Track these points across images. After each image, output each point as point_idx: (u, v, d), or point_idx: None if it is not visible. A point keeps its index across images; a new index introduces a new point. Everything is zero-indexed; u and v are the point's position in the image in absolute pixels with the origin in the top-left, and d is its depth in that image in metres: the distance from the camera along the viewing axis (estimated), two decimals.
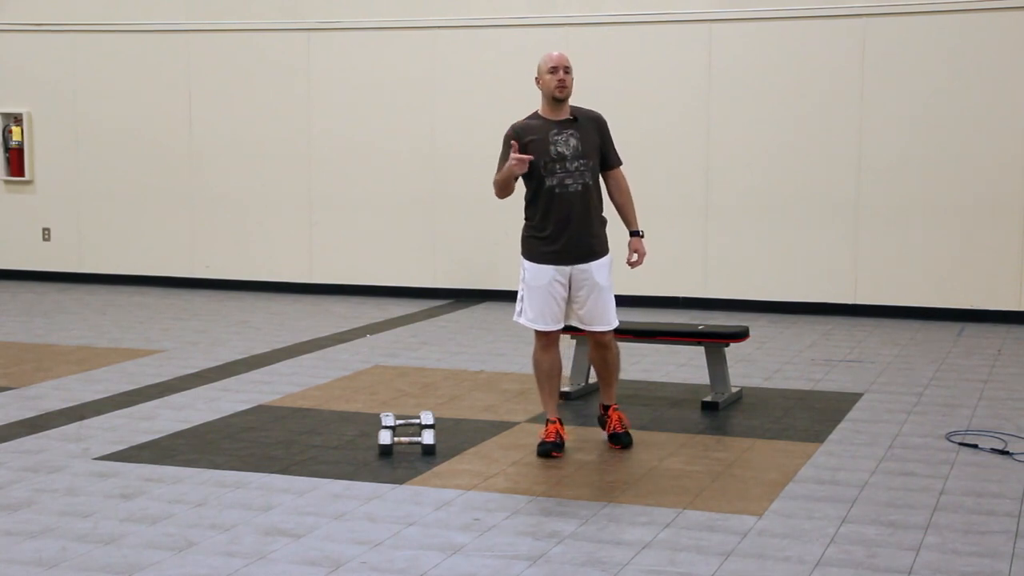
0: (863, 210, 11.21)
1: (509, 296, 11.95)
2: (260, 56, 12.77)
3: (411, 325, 10.88)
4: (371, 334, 10.37)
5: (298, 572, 4.78)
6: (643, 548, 5.04)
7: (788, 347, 9.76)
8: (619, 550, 5.02)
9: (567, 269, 6.47)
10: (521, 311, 6.58)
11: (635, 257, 6.63)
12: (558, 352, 6.63)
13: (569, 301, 6.57)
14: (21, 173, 13.55)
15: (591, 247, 6.49)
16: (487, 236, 12.13)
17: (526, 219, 6.59)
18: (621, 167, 6.65)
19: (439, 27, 12.20)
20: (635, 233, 6.65)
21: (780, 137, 11.38)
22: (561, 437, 6.53)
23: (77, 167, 13.40)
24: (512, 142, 6.44)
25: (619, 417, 6.74)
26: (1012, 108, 10.79)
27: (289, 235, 12.84)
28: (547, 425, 6.57)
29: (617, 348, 6.80)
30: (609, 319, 6.57)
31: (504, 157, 6.50)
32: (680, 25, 11.55)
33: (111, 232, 13.41)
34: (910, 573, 4.78)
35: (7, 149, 13.56)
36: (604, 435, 6.79)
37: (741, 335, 7.88)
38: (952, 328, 10.66)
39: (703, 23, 11.47)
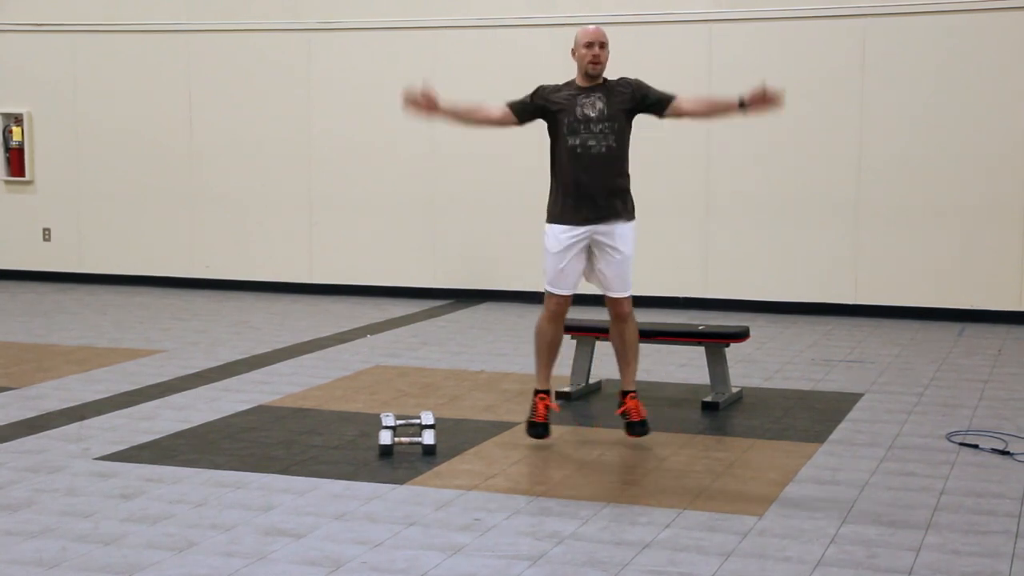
0: (863, 210, 11.21)
1: (509, 296, 12.02)
2: (260, 56, 12.77)
3: (411, 325, 10.88)
4: (371, 334, 10.37)
5: (298, 572, 4.78)
6: (643, 548, 5.04)
7: (788, 347, 9.76)
8: (619, 550, 5.02)
9: (586, 230, 6.45)
10: (545, 272, 6.62)
11: (763, 99, 6.41)
12: (562, 328, 6.68)
13: (592, 267, 6.57)
14: (21, 173, 13.55)
15: (613, 209, 6.48)
16: (487, 236, 12.13)
17: (551, 186, 6.60)
18: (679, 95, 6.56)
19: (440, 27, 12.20)
20: (740, 104, 6.46)
21: (780, 137, 11.37)
22: (549, 416, 6.59)
23: (77, 167, 13.40)
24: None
25: (636, 406, 6.67)
26: (1012, 108, 10.80)
27: (289, 235, 12.84)
28: (536, 400, 6.60)
29: (636, 325, 6.75)
30: (627, 285, 6.58)
31: (521, 99, 6.58)
32: (680, 25, 11.55)
33: (111, 232, 13.41)
34: (910, 573, 4.78)
35: (7, 149, 13.56)
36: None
37: (741, 335, 7.88)
38: (952, 328, 10.66)
39: (703, 23, 11.48)
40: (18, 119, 13.49)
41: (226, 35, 12.85)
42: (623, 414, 6.70)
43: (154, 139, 13.14)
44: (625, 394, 6.74)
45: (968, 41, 10.90)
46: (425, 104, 6.54)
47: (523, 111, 6.60)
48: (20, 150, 13.51)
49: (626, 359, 6.73)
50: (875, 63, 11.09)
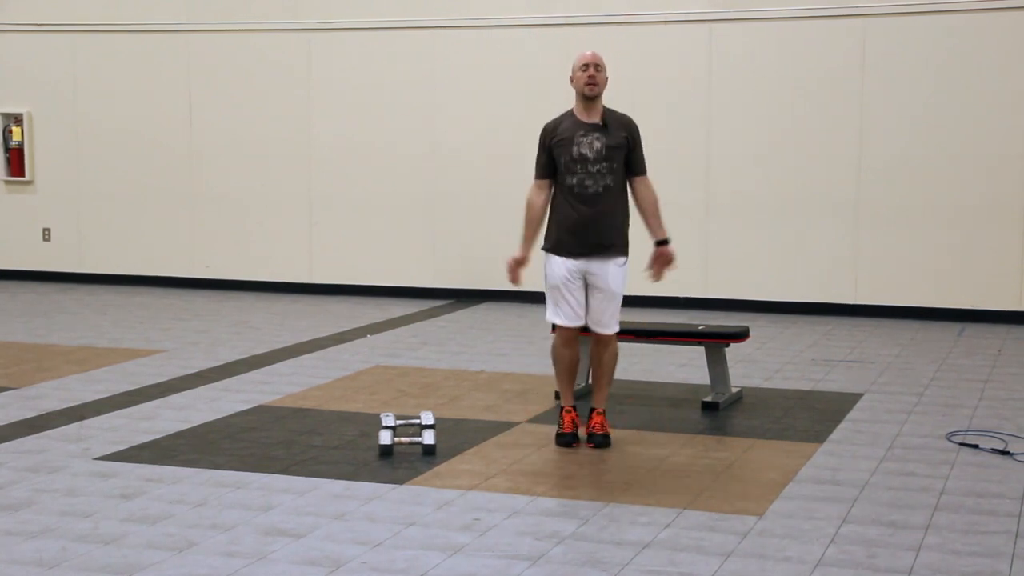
0: (863, 210, 11.21)
1: (509, 296, 12.00)
2: (260, 56, 12.77)
3: (411, 325, 10.88)
4: (371, 334, 10.37)
5: (298, 572, 4.78)
6: (643, 548, 5.04)
7: (788, 347, 9.76)
8: (619, 550, 5.02)
9: (581, 264, 6.59)
10: (547, 306, 6.80)
11: (652, 270, 6.73)
12: (577, 348, 6.85)
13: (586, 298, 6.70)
14: (21, 173, 13.55)
15: (607, 245, 6.60)
16: (487, 236, 12.13)
17: (550, 215, 6.74)
18: (646, 176, 6.74)
19: (439, 27, 12.19)
20: (660, 242, 6.73)
21: (780, 137, 11.38)
22: (577, 426, 6.76)
23: (77, 167, 13.40)
24: (510, 263, 6.72)
25: (601, 421, 6.79)
26: (1012, 108, 10.80)
27: (289, 235, 12.84)
28: (562, 415, 6.79)
29: (615, 351, 6.85)
30: (613, 323, 6.72)
31: (538, 156, 6.71)
32: (680, 25, 11.55)
33: (111, 232, 13.40)
34: (910, 573, 4.78)
35: (7, 149, 13.56)
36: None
37: (741, 335, 7.88)
38: (952, 328, 10.66)
39: (703, 23, 11.48)
40: (18, 119, 13.49)
41: (226, 35, 12.85)
42: (590, 428, 6.78)
43: (154, 139, 13.13)
44: (593, 411, 6.85)
45: (968, 41, 10.90)
46: (518, 268, 6.73)
47: (548, 168, 6.68)
48: (20, 150, 13.51)
49: (599, 382, 6.88)
50: (875, 63, 11.08)
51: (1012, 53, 10.79)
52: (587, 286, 6.66)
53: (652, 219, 6.73)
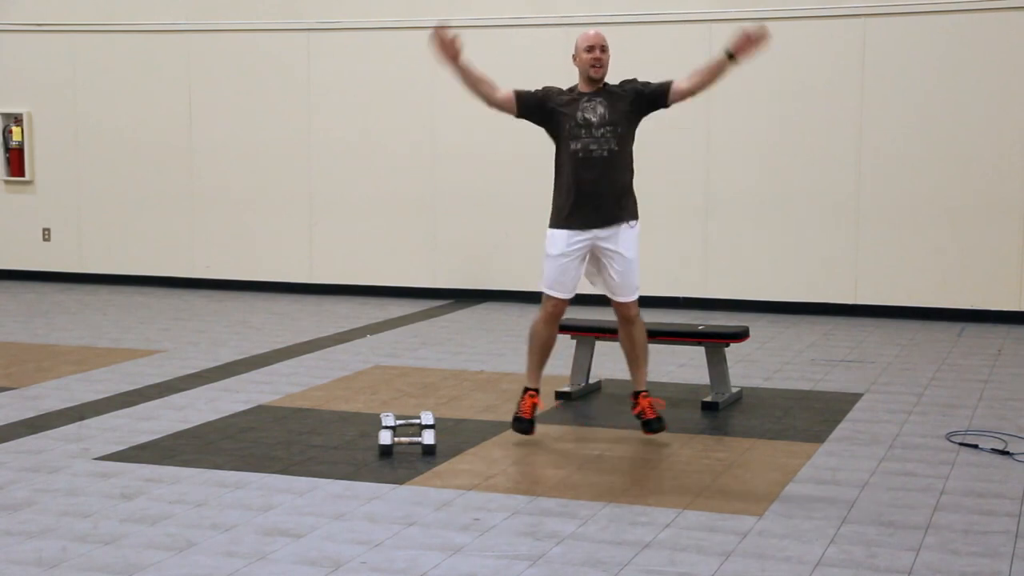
0: (863, 210, 11.21)
1: (509, 296, 12.02)
2: (260, 56, 12.77)
3: (411, 325, 10.88)
4: (371, 334, 10.37)
5: (298, 572, 4.78)
6: (643, 548, 5.04)
7: (788, 347, 9.76)
8: (619, 550, 5.02)
9: (589, 235, 6.52)
10: (543, 276, 6.70)
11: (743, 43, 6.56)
12: (556, 331, 6.77)
13: (598, 271, 6.64)
14: (21, 173, 13.55)
15: (615, 211, 6.55)
16: (487, 236, 12.13)
17: (554, 191, 6.66)
18: (675, 80, 6.61)
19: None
20: (729, 56, 6.57)
21: (780, 137, 11.38)
22: (535, 411, 6.69)
23: (77, 167, 13.40)
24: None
25: (649, 404, 6.73)
26: (1012, 108, 10.80)
27: (289, 235, 12.84)
28: (525, 396, 6.71)
29: (643, 326, 6.79)
30: (633, 289, 6.65)
31: (527, 91, 6.68)
32: (680, 25, 11.55)
33: (111, 232, 13.41)
34: (910, 573, 4.78)
35: (7, 149, 13.56)
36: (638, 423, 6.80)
37: (741, 335, 7.88)
38: (952, 328, 10.66)
39: (703, 23, 11.47)
40: (18, 119, 13.49)
41: (226, 35, 12.85)
42: (639, 414, 6.76)
43: (154, 139, 13.14)
44: (638, 394, 6.80)
45: (968, 41, 10.90)
46: (450, 51, 6.58)
47: (526, 103, 6.64)
48: (20, 150, 13.51)
49: (636, 361, 6.80)
50: (875, 62, 11.08)
51: (1012, 53, 10.79)
52: (598, 260, 6.59)
53: (711, 64, 6.58)
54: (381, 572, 4.79)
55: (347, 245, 12.70)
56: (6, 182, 13.66)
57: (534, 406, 6.70)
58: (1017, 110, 10.78)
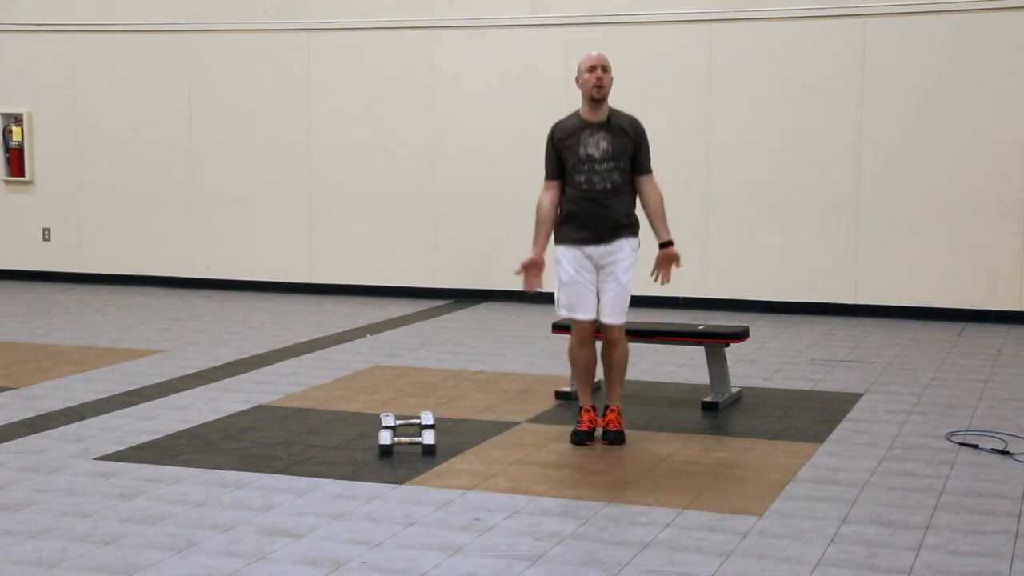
0: (863, 210, 11.21)
1: (509, 296, 12.01)
2: (260, 56, 12.77)
3: (411, 325, 10.88)
4: (371, 334, 10.37)
5: (298, 572, 4.78)
6: (643, 548, 5.04)
7: (788, 347, 9.76)
8: (619, 550, 5.02)
9: (592, 251, 6.64)
10: (557, 302, 6.81)
11: (658, 272, 6.78)
12: (593, 349, 6.89)
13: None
14: (21, 173, 13.55)
15: (617, 233, 6.66)
16: (487, 236, 12.13)
17: (560, 208, 6.77)
18: (652, 175, 6.77)
19: (439, 27, 12.20)
20: (663, 244, 6.76)
21: (780, 137, 11.38)
22: (594, 426, 6.80)
23: (77, 167, 13.40)
24: (525, 265, 6.70)
25: (616, 418, 6.84)
26: (1012, 108, 10.79)
27: (289, 235, 12.84)
28: (581, 414, 6.85)
29: (626, 349, 6.90)
30: (621, 313, 6.76)
31: (546, 156, 6.77)
32: (680, 25, 11.56)
33: (111, 232, 13.41)
34: (910, 573, 4.78)
35: (7, 149, 13.56)
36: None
37: (741, 335, 7.88)
38: (952, 328, 10.66)
39: (703, 23, 11.48)
40: (18, 119, 13.49)
41: (226, 35, 12.85)
42: (605, 424, 6.86)
43: (154, 139, 13.14)
44: (607, 408, 6.90)
45: (968, 41, 10.90)
46: (534, 271, 6.72)
47: (557, 168, 6.73)
48: (20, 150, 13.51)
49: (612, 381, 6.93)
50: (875, 62, 11.08)
51: (1012, 53, 10.79)
52: (598, 276, 6.70)
53: (657, 219, 6.76)
54: (381, 572, 4.79)
55: (347, 245, 12.70)
56: (6, 182, 13.66)
57: (591, 420, 6.83)
58: (1017, 110, 10.78)
